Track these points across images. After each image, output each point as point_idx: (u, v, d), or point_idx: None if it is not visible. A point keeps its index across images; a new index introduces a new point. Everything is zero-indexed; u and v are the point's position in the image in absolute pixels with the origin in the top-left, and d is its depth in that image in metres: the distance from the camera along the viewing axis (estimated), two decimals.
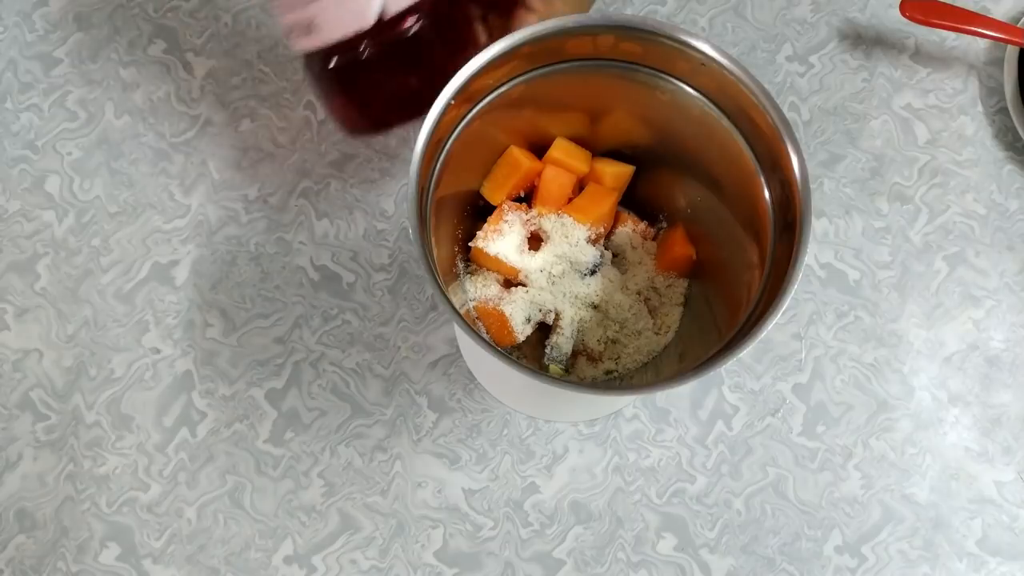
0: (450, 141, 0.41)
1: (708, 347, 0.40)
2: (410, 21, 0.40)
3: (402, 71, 0.41)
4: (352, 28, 0.40)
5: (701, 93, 0.41)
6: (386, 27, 0.40)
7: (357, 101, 0.43)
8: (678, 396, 0.52)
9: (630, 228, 0.49)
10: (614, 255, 0.49)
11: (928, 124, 0.57)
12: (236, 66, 0.57)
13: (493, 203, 0.48)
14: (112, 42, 0.58)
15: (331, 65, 0.41)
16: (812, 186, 0.47)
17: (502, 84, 0.42)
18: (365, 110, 0.43)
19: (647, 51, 0.40)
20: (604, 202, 0.47)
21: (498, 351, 0.36)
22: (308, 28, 0.41)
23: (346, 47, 0.41)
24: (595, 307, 0.48)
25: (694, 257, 0.48)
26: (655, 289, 0.48)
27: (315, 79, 0.43)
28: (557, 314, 0.47)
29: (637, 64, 0.41)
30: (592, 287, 0.47)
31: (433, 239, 0.40)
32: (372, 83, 0.42)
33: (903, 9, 0.55)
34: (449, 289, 0.43)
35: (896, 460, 0.52)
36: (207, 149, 0.56)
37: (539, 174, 0.47)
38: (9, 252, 0.54)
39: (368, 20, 0.39)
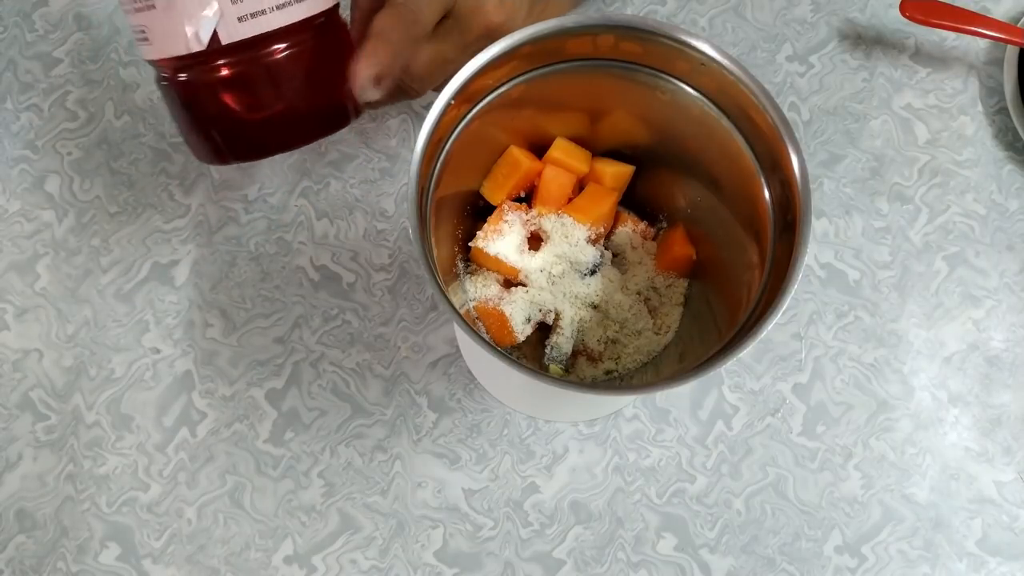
0: (450, 141, 0.41)
1: (708, 347, 0.40)
2: (275, 47, 0.35)
3: (253, 99, 0.36)
4: (179, 50, 0.35)
5: (701, 93, 0.41)
6: (237, 50, 0.35)
7: (195, 125, 0.38)
8: (678, 396, 0.52)
9: (630, 228, 0.49)
10: (614, 255, 0.49)
11: (928, 124, 0.57)
12: None
13: (493, 203, 0.48)
14: (112, 42, 0.58)
15: (163, 81, 0.37)
16: (812, 186, 0.47)
17: (502, 84, 0.42)
18: (204, 136, 0.37)
19: (647, 51, 0.40)
20: (604, 202, 0.47)
21: (498, 351, 0.36)
22: (143, 37, 0.36)
23: (179, 65, 0.36)
24: (595, 307, 0.48)
25: (694, 257, 0.48)
26: (655, 289, 0.48)
27: (162, 94, 0.38)
28: (557, 314, 0.47)
29: (637, 64, 0.41)
30: (592, 287, 0.47)
31: (433, 239, 0.40)
32: (214, 108, 0.36)
33: (903, 9, 0.55)
34: (449, 289, 0.43)
35: (896, 460, 0.52)
36: None
37: (539, 174, 0.47)
38: (9, 252, 0.54)
39: (195, 45, 0.34)
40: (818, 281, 0.54)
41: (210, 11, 0.34)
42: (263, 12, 0.34)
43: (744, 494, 0.51)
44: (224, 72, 0.35)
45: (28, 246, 0.54)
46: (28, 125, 0.56)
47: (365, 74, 0.38)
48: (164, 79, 0.37)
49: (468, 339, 0.35)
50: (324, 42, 0.37)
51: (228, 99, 0.36)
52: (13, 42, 0.58)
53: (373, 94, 0.38)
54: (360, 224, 0.55)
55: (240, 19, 0.34)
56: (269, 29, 0.34)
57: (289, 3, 0.34)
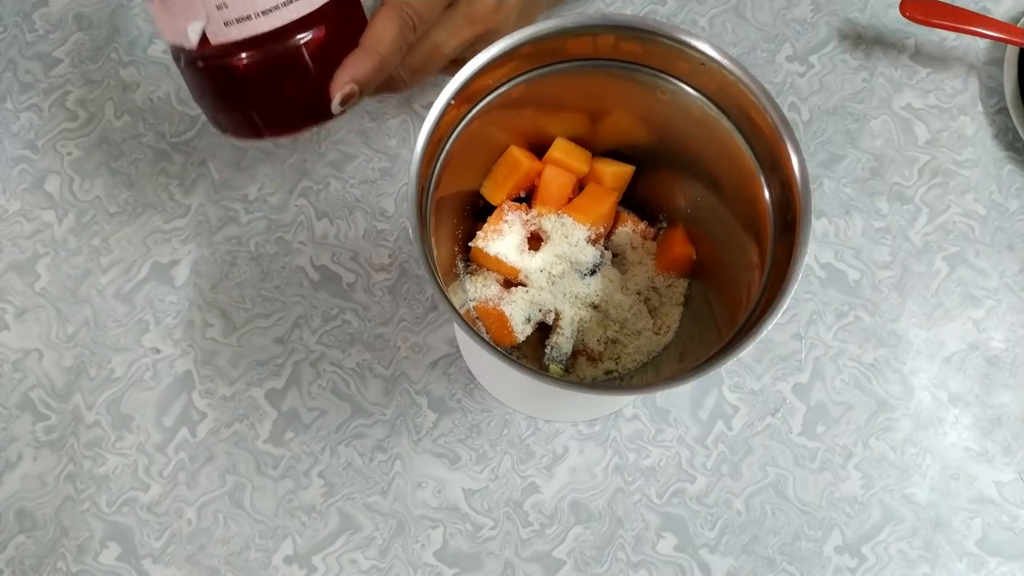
0: (450, 141, 0.41)
1: (708, 347, 0.40)
2: (287, 35, 0.35)
3: (263, 82, 0.36)
4: (178, 41, 0.36)
5: (701, 93, 0.41)
6: (247, 45, 0.35)
7: (214, 102, 0.38)
8: (678, 396, 0.52)
9: (630, 228, 0.49)
10: (614, 255, 0.49)
11: (928, 124, 0.57)
12: None
13: (493, 203, 0.48)
14: (112, 42, 0.58)
15: (181, 65, 0.37)
16: (812, 186, 0.47)
17: (502, 84, 0.42)
18: (223, 113, 0.38)
19: (647, 51, 0.40)
20: (604, 202, 0.47)
21: (498, 351, 0.36)
22: (155, 23, 0.37)
23: (186, 52, 0.36)
24: (595, 307, 0.48)
25: (694, 257, 0.48)
26: (655, 289, 0.48)
27: (181, 72, 0.39)
28: (557, 314, 0.47)
29: (637, 64, 0.41)
30: (592, 287, 0.47)
31: (433, 239, 0.40)
32: (229, 89, 0.36)
33: (903, 9, 0.55)
34: (449, 289, 0.43)
35: (896, 460, 0.52)
36: (207, 149, 0.56)
37: (539, 174, 0.47)
38: (9, 252, 0.54)
39: (186, 42, 0.35)
40: (818, 281, 0.54)
41: (195, 17, 0.34)
42: (248, 18, 0.34)
43: (744, 494, 0.51)
44: (235, 60, 0.35)
45: (28, 246, 0.54)
46: (28, 125, 0.56)
47: (338, 89, 0.37)
48: (178, 58, 0.37)
49: (468, 339, 0.35)
50: (338, 25, 0.37)
51: (244, 83, 0.36)
52: (13, 42, 0.58)
53: (338, 110, 0.37)
54: (360, 224, 0.55)
55: (226, 24, 0.34)
56: (256, 33, 0.35)
57: (276, 8, 0.34)
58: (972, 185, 0.56)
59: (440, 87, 0.38)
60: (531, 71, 0.42)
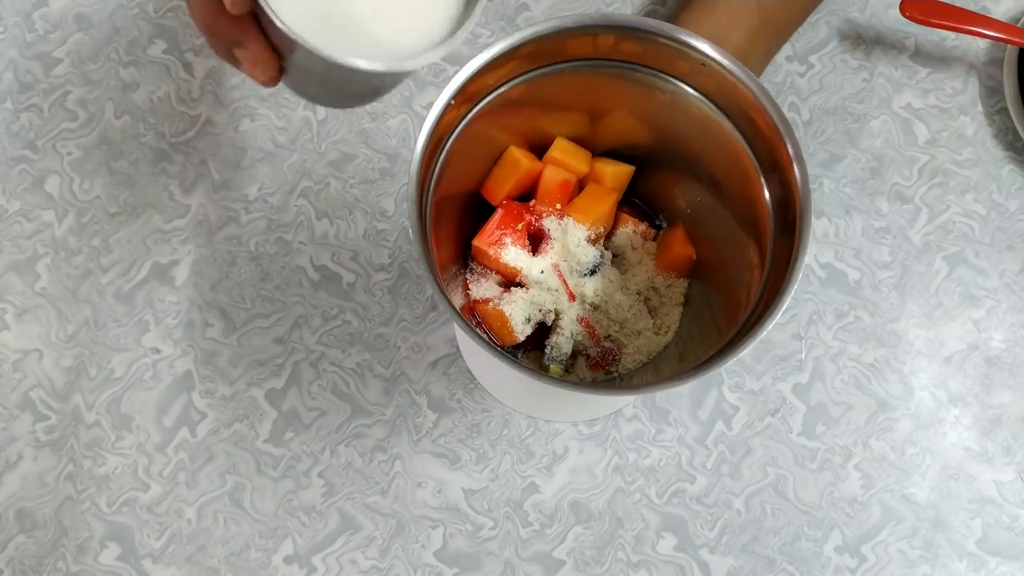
0: (450, 141, 0.41)
1: (708, 347, 0.40)
2: None
3: None
4: None
5: (701, 93, 0.41)
6: None
7: None
8: (678, 396, 0.52)
9: (630, 228, 0.49)
10: (614, 255, 0.49)
11: (928, 124, 0.57)
12: None
13: (493, 203, 0.48)
14: (112, 42, 0.58)
15: None
16: (812, 186, 0.47)
17: (502, 84, 0.42)
18: None
19: (647, 51, 0.40)
20: (604, 202, 0.47)
21: (498, 351, 0.36)
22: None
23: None
24: (595, 307, 0.48)
25: (694, 257, 0.48)
26: (655, 289, 0.48)
27: None
28: (557, 314, 0.47)
29: (637, 64, 0.41)
30: (592, 287, 0.47)
31: (433, 239, 0.40)
32: None
33: (903, 9, 0.55)
34: (449, 289, 0.43)
35: (896, 460, 0.52)
36: (207, 149, 0.56)
37: (539, 174, 0.47)
38: (9, 252, 0.54)
39: None
40: (818, 281, 0.54)
41: None
42: None
43: (744, 494, 0.51)
44: None
45: (28, 246, 0.54)
46: (28, 125, 0.56)
47: None
48: None
49: (468, 339, 0.35)
50: None
51: None
52: (13, 42, 0.58)
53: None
54: (360, 224, 0.55)
55: None
56: None
57: None
58: (972, 185, 0.56)
59: (440, 87, 0.38)
60: (531, 71, 0.42)
